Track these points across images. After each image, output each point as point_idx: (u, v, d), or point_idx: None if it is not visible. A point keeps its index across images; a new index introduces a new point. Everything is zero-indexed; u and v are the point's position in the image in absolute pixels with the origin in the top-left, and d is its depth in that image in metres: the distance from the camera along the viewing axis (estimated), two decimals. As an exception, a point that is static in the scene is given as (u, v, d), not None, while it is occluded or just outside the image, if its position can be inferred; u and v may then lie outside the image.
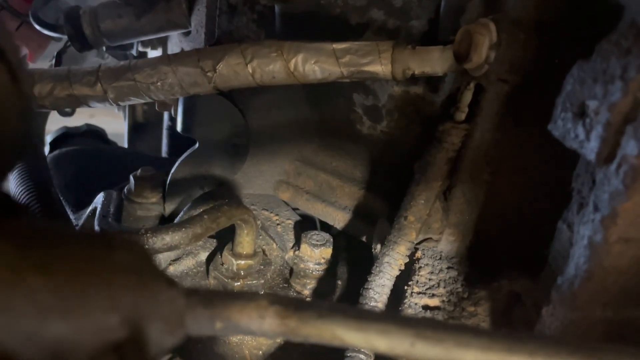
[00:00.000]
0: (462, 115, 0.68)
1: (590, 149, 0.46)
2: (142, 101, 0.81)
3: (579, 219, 0.49)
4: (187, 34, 1.08)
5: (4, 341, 0.21)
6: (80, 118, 1.73)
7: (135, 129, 1.66)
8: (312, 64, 0.72)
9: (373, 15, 0.78)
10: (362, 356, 0.63)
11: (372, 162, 0.90)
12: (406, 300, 0.68)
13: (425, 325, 0.35)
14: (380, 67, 0.70)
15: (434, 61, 0.68)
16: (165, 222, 0.96)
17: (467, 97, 0.67)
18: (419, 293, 0.68)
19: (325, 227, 0.96)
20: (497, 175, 0.70)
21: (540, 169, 0.67)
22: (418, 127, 0.80)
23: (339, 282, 0.93)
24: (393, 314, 0.64)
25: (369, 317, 0.37)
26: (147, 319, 0.27)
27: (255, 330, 0.37)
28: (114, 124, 2.10)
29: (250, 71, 0.74)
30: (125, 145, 1.70)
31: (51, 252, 0.23)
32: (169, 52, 1.24)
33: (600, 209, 0.46)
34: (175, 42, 1.17)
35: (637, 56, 0.43)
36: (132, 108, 1.65)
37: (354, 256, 0.97)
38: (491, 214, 0.71)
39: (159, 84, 0.77)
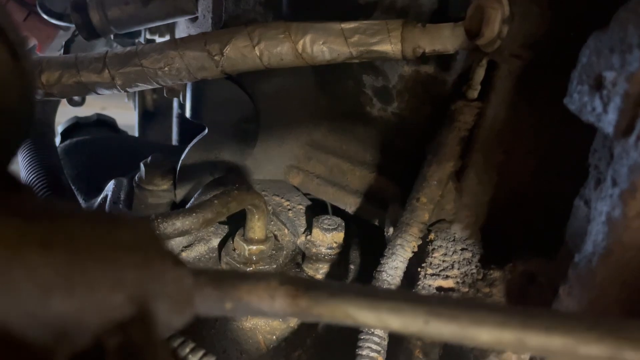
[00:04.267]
0: (474, 93, 0.66)
1: (608, 122, 0.45)
2: (150, 87, 0.80)
3: (597, 195, 0.48)
4: (195, 19, 1.07)
5: (5, 319, 0.20)
6: (91, 110, 1.73)
7: (145, 117, 1.66)
8: (320, 45, 0.71)
9: (382, -7, 0.76)
10: (376, 338, 0.63)
11: (383, 145, 0.89)
12: (420, 282, 0.67)
13: (439, 303, 0.34)
14: (389, 46, 0.69)
15: (445, 38, 0.66)
16: (176, 209, 0.95)
17: (480, 74, 0.65)
18: (432, 275, 0.67)
19: (337, 211, 0.96)
20: (511, 154, 0.68)
21: (555, 146, 0.65)
22: (430, 107, 0.79)
23: (352, 266, 0.92)
24: (406, 292, 0.64)
25: (381, 296, 0.36)
26: (153, 297, 0.26)
27: (266, 311, 0.36)
28: (125, 115, 2.11)
29: (258, 54, 0.73)
30: (136, 135, 1.71)
31: (54, 228, 0.22)
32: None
33: (618, 184, 0.45)
34: (183, 29, 1.17)
35: (657, 24, 0.41)
36: (142, 97, 1.65)
37: (366, 240, 0.96)
38: (505, 194, 0.70)
39: (166, 69, 0.77)
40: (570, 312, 0.48)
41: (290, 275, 0.37)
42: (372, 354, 0.61)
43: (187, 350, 0.53)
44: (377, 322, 0.36)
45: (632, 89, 0.42)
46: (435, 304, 0.34)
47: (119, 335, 0.24)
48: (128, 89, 0.81)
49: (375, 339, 0.63)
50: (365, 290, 0.36)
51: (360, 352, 0.62)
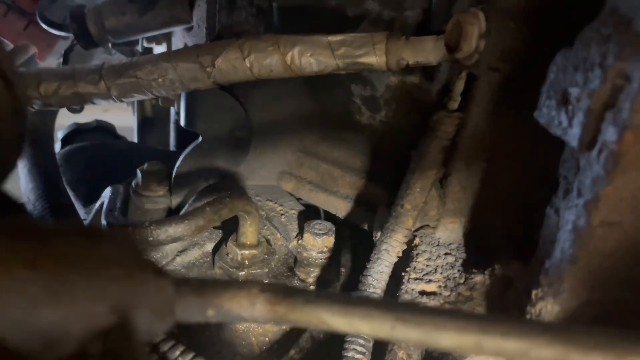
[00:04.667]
0: (454, 104, 0.69)
1: (573, 136, 0.47)
2: (145, 97, 0.83)
3: (565, 204, 0.50)
4: (190, 29, 1.09)
5: None
6: (94, 113, 1.76)
7: (144, 123, 1.69)
8: (308, 57, 0.73)
9: (368, 6, 0.79)
10: (361, 340, 0.65)
11: (372, 152, 0.91)
12: (403, 286, 0.70)
13: (405, 309, 0.37)
14: (374, 58, 0.71)
15: (427, 51, 0.69)
16: (173, 214, 0.98)
17: (459, 86, 0.68)
18: (415, 279, 0.70)
19: (330, 216, 0.98)
20: (492, 162, 0.71)
21: (533, 155, 0.67)
22: (416, 115, 0.81)
23: (343, 270, 0.95)
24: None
25: (352, 303, 0.39)
26: (134, 306, 0.29)
27: (247, 317, 0.39)
28: (127, 118, 2.14)
29: (248, 65, 0.76)
30: (135, 140, 1.73)
31: (40, 246, 0.25)
32: (173, 47, 1.26)
33: (583, 194, 0.47)
34: (179, 38, 1.19)
35: (616, 44, 0.44)
36: (141, 103, 1.68)
37: (357, 244, 0.99)
38: (487, 200, 0.73)
39: (160, 80, 0.79)
40: (524, 319, 0.51)
41: (270, 283, 0.40)
42: (358, 356, 0.64)
43: (177, 353, 0.55)
44: (348, 328, 0.38)
45: (593, 105, 0.45)
46: (401, 311, 0.37)
47: (101, 342, 0.26)
48: (124, 99, 0.83)
49: (361, 341, 0.65)
50: (338, 298, 0.39)
51: (346, 354, 0.64)
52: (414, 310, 0.37)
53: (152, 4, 1.04)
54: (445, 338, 0.35)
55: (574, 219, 0.48)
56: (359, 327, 0.38)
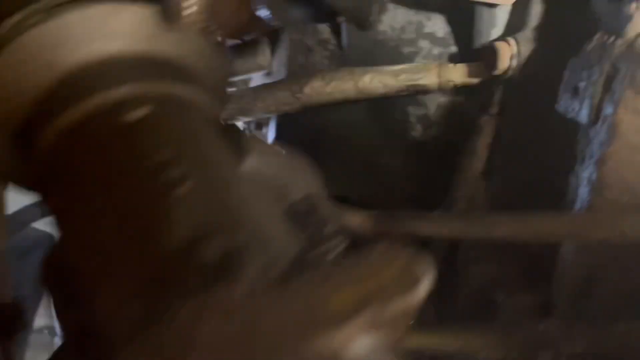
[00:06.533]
0: (495, 110, 0.89)
1: (583, 116, 0.67)
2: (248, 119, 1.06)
3: (581, 168, 0.69)
4: (268, 74, 1.33)
5: None
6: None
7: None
8: (376, 82, 0.95)
9: (420, 44, 1.01)
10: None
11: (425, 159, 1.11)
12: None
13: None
14: (429, 80, 0.93)
15: (471, 73, 0.90)
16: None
17: (497, 95, 0.88)
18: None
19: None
20: (525, 155, 0.89)
21: (557, 142, 0.86)
22: (462, 126, 1.01)
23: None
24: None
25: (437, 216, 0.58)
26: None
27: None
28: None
29: (329, 91, 0.98)
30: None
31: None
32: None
33: (594, 156, 0.66)
34: (257, 83, 1.43)
35: (609, 50, 0.64)
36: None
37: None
38: (524, 186, 0.91)
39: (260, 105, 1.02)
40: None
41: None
42: None
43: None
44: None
45: (595, 91, 0.64)
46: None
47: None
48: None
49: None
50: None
51: None
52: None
53: (240, 53, 1.29)
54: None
55: (587, 176, 0.67)
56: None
